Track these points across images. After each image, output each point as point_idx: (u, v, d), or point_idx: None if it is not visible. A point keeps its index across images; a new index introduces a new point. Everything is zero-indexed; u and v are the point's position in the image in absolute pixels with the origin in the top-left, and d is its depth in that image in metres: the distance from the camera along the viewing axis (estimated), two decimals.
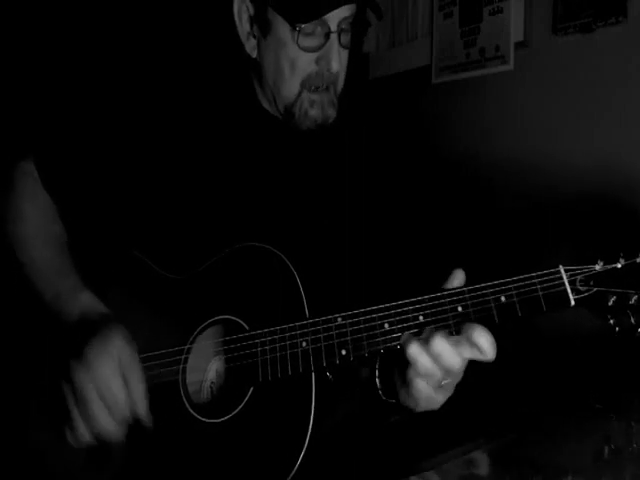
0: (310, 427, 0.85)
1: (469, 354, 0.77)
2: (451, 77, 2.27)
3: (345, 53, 1.07)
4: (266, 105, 1.14)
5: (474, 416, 1.47)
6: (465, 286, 0.84)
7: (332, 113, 1.07)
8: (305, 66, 1.03)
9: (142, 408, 0.87)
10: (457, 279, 0.84)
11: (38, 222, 1.07)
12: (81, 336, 0.89)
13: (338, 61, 1.04)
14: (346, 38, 1.05)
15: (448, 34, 2.26)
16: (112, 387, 0.85)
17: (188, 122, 1.11)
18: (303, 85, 1.04)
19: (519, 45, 2.01)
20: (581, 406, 1.06)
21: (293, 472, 0.85)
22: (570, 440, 0.96)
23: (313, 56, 1.02)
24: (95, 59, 2.30)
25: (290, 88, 1.04)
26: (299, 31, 0.99)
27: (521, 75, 2.02)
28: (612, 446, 0.93)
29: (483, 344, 0.75)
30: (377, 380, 1.00)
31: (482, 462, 0.90)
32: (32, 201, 1.09)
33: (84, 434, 0.86)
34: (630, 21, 1.68)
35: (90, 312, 0.95)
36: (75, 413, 0.86)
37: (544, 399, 1.44)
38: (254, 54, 1.08)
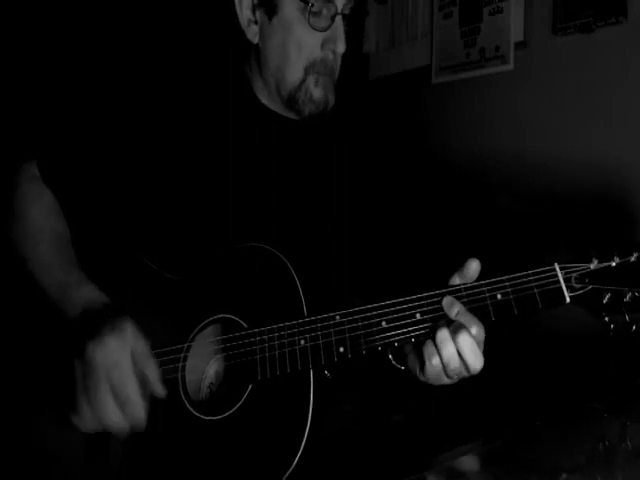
0: (308, 425, 0.86)
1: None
2: (451, 77, 2.27)
3: (345, 46, 1.07)
4: (264, 99, 1.13)
5: (469, 416, 1.47)
6: (461, 284, 0.85)
7: (332, 98, 1.08)
8: (311, 49, 1.04)
9: (159, 390, 0.89)
10: (472, 269, 0.85)
11: (42, 219, 1.08)
12: (90, 325, 0.90)
13: (343, 43, 1.05)
14: (346, 23, 1.06)
15: (448, 34, 2.26)
16: (125, 382, 0.85)
17: (187, 121, 1.11)
18: (307, 71, 1.04)
19: (519, 45, 2.01)
20: (576, 405, 1.06)
21: (290, 469, 0.85)
22: (565, 439, 0.96)
23: (319, 39, 1.03)
24: (95, 59, 2.30)
25: (295, 72, 1.05)
26: (311, 6, 1.00)
27: (521, 75, 2.02)
28: (607, 444, 0.94)
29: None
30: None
31: (479, 462, 0.90)
32: (36, 199, 1.09)
33: (90, 422, 0.86)
34: (630, 21, 1.68)
35: (95, 302, 0.96)
36: (82, 400, 0.86)
37: (539, 399, 1.45)
38: (255, 40, 1.09)
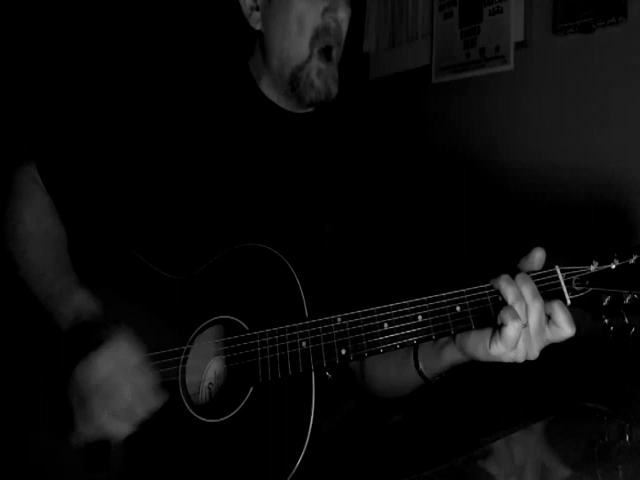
0: (310, 427, 0.85)
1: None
2: (451, 77, 2.27)
3: (347, 11, 1.07)
4: (268, 92, 1.13)
5: (468, 417, 1.47)
6: (463, 287, 0.85)
7: (334, 89, 1.08)
8: (313, 20, 1.04)
9: (154, 402, 0.87)
10: (536, 257, 0.84)
11: (35, 224, 1.08)
12: (79, 341, 0.90)
13: (345, 10, 1.05)
14: None
15: (448, 34, 2.26)
16: (117, 395, 0.85)
17: (188, 121, 1.11)
18: (312, 45, 1.04)
19: (519, 45, 2.00)
20: (574, 405, 1.06)
21: (293, 472, 0.85)
22: (564, 438, 0.97)
23: (319, 8, 1.04)
24: (95, 58, 2.30)
25: (299, 48, 1.05)
26: None
27: (521, 75, 2.01)
28: (605, 445, 0.94)
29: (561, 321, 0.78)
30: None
31: (478, 461, 0.91)
32: (30, 203, 1.09)
33: (85, 434, 0.87)
34: (630, 21, 1.68)
35: (83, 313, 0.95)
36: (78, 413, 0.86)
37: (537, 399, 1.45)
38: (258, 26, 1.10)
